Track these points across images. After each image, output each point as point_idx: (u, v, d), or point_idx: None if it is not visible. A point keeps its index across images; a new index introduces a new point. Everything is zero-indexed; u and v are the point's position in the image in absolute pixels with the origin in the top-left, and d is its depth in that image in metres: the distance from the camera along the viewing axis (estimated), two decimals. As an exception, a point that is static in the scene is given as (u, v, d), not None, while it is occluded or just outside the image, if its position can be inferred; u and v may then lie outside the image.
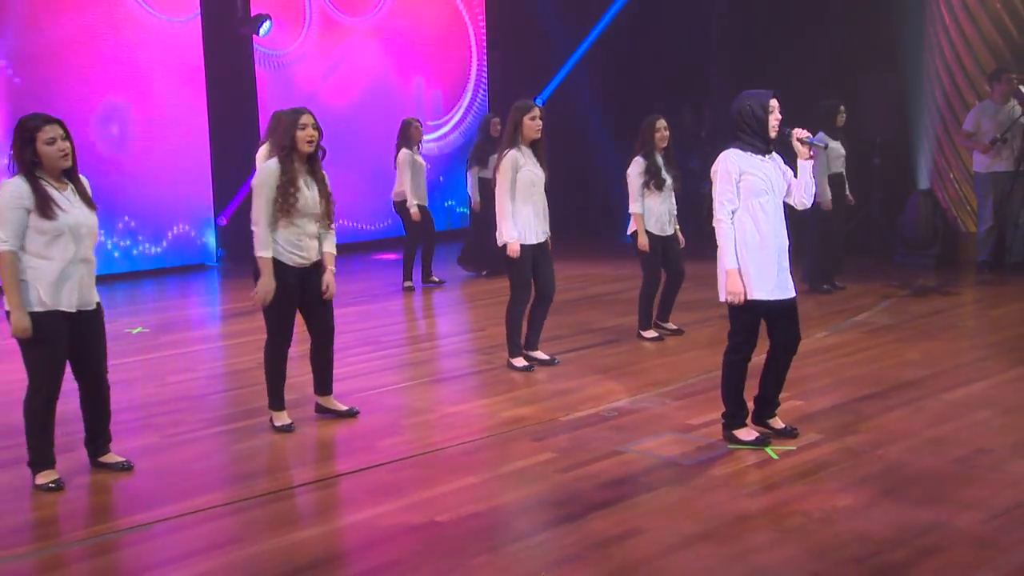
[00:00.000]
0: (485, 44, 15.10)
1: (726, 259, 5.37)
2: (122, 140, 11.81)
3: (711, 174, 5.46)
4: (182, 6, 12.18)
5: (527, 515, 4.79)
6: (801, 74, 11.05)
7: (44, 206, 4.86)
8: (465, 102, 14.91)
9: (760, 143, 5.38)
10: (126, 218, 11.86)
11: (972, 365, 7.21)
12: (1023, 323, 8.57)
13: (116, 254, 11.76)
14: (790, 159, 5.61)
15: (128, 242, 11.94)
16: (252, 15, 12.36)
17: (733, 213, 5.35)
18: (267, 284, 5.73)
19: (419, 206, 10.50)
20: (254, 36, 12.50)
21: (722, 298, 5.46)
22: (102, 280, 10.94)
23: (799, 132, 5.52)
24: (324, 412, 6.22)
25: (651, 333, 8.17)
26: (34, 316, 4.93)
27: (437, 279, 10.99)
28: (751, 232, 5.34)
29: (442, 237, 11.27)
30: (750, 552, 4.29)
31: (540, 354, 7.42)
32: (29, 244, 4.90)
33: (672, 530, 4.50)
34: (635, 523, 4.58)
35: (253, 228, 5.76)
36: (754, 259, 5.35)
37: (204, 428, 6.19)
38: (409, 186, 10.42)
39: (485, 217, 10.97)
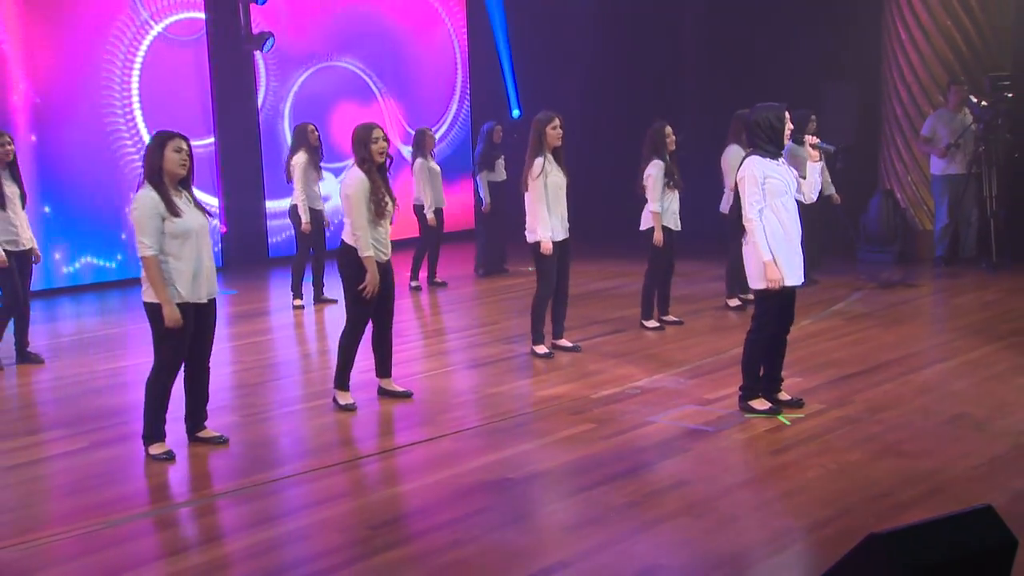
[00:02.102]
0: (468, 58, 15.74)
1: (763, 251, 6.07)
2: (137, 153, 12.31)
3: (737, 180, 6.23)
4: (189, 26, 12.73)
5: (586, 472, 5.48)
6: (768, 84, 11.77)
7: (172, 208, 5.55)
8: (451, 115, 15.55)
9: (774, 149, 6.14)
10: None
11: (943, 346, 8.07)
12: (982, 310, 9.42)
13: (119, 258, 12.26)
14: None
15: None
16: (255, 33, 12.93)
17: (761, 212, 6.09)
18: (375, 278, 6.45)
19: (434, 210, 11.19)
20: (257, 52, 13.07)
21: (760, 286, 6.17)
22: (119, 285, 11.66)
23: (811, 139, 6.31)
24: (383, 393, 6.89)
25: (652, 323, 8.88)
26: None
27: (440, 280, 11.58)
28: (776, 227, 6.07)
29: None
30: (784, 495, 5.07)
31: (565, 342, 8.12)
32: (165, 247, 5.57)
33: (713, 480, 5.26)
34: (680, 476, 5.33)
35: (356, 233, 6.41)
36: (782, 251, 6.08)
37: (276, 409, 6.86)
38: (425, 193, 11.09)
39: (495, 219, 11.71)
